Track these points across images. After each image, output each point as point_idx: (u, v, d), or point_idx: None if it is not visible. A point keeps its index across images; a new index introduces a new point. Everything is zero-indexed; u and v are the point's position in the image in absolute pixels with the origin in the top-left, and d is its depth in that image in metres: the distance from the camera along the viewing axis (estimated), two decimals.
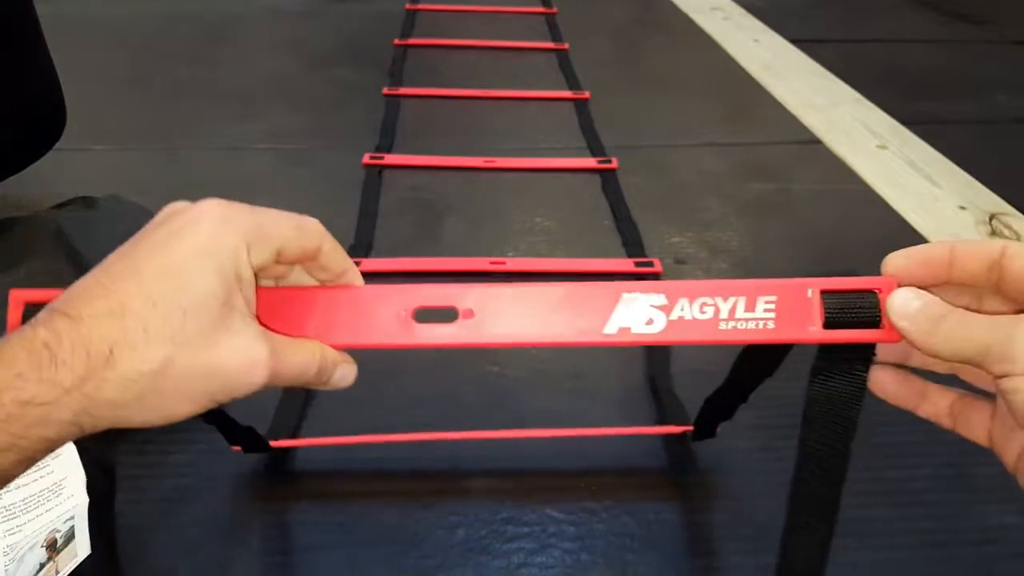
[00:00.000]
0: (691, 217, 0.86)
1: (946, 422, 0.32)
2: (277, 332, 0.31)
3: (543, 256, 0.78)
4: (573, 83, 1.21)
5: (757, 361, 0.40)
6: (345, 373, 0.33)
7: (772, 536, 0.33)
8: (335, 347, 0.33)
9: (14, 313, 0.31)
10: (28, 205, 0.69)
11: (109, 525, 0.41)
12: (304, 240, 0.31)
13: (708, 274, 0.76)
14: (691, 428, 0.54)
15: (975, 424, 0.31)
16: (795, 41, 1.42)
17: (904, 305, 0.29)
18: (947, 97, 1.24)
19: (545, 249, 0.79)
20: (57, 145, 0.82)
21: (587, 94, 1.16)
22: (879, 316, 0.30)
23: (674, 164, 0.98)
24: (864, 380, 0.32)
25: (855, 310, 0.31)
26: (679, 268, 0.77)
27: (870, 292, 0.31)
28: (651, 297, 0.32)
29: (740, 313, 0.32)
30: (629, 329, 0.32)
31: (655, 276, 0.74)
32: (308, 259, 0.32)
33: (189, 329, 0.27)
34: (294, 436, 0.55)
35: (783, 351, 0.37)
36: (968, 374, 0.32)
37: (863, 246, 0.81)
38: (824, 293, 0.31)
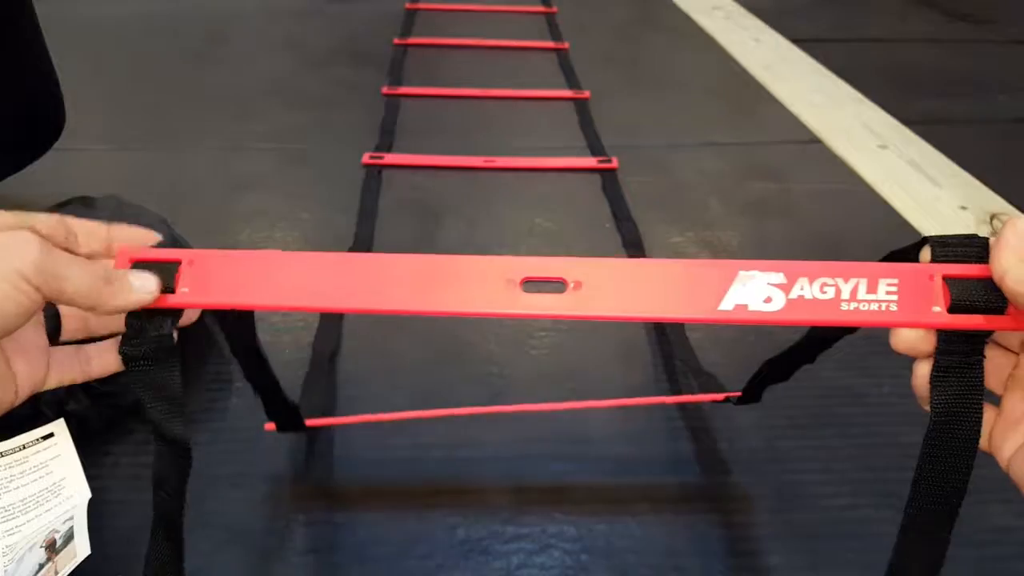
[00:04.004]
0: (691, 217, 0.86)
1: None
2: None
3: (543, 256, 0.78)
4: (573, 83, 1.21)
5: None
6: (144, 282, 0.32)
7: (774, 537, 0.32)
8: (438, 314, 0.32)
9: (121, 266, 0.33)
10: (28, 205, 0.69)
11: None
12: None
13: None
14: (737, 394, 0.51)
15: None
16: (796, 41, 1.42)
17: None
18: (948, 97, 1.24)
19: (545, 249, 0.79)
20: (57, 145, 0.82)
21: (587, 93, 1.16)
22: (1005, 303, 0.29)
23: (674, 164, 0.98)
24: (982, 372, 0.30)
25: (981, 294, 0.29)
26: None
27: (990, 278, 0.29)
28: (769, 276, 0.31)
29: (862, 294, 0.30)
30: (746, 307, 0.31)
31: None
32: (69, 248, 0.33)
33: None
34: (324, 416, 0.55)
35: None
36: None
37: (863, 246, 0.81)
38: (947, 278, 0.30)
